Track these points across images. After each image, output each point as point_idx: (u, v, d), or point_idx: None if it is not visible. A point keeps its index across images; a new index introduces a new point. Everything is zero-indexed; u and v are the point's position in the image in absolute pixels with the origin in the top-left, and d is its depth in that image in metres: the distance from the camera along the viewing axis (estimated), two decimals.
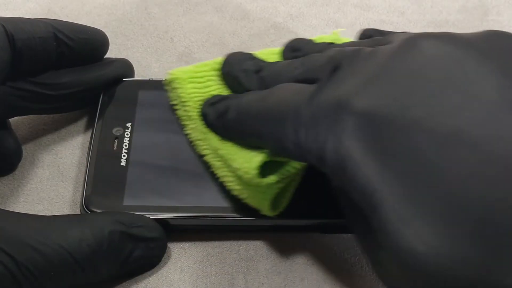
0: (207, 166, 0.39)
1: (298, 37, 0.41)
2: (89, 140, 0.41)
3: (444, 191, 0.26)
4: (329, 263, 0.37)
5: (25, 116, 0.43)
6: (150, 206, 0.37)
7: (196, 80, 0.40)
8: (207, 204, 0.38)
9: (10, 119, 0.41)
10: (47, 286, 0.32)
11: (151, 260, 0.36)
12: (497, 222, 0.24)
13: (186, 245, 0.38)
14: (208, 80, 0.40)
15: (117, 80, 0.43)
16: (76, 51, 0.40)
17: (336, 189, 0.35)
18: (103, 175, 0.39)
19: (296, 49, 0.39)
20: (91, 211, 0.37)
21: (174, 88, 0.40)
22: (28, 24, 0.38)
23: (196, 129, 0.39)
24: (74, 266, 0.32)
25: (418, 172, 0.26)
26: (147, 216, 0.36)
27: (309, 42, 0.40)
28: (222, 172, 0.37)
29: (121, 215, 0.35)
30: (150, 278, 0.36)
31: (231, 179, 0.37)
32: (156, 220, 0.36)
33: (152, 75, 0.46)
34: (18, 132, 0.42)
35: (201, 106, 0.38)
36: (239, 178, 0.36)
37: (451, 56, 0.29)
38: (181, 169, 0.39)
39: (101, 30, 0.43)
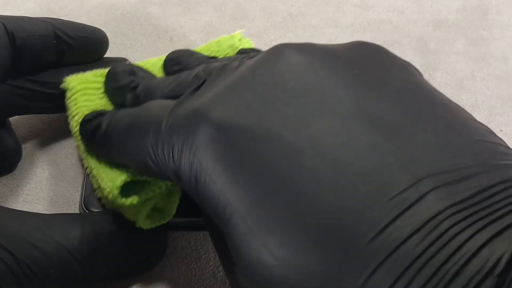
0: None
1: (297, 35, 0.41)
2: None
3: (291, 199, 0.25)
4: None
5: (25, 116, 0.43)
6: None
7: (91, 92, 0.38)
8: None
9: (10, 119, 0.41)
10: (46, 283, 0.32)
11: (151, 259, 0.36)
12: (341, 228, 0.23)
13: (186, 245, 0.38)
14: (103, 92, 0.38)
15: None
16: (76, 49, 0.40)
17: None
18: None
19: (177, 62, 0.39)
20: (91, 211, 0.37)
21: (68, 98, 0.38)
22: (28, 22, 0.38)
23: (79, 147, 0.37)
24: (74, 264, 0.32)
25: (268, 182, 0.25)
26: None
27: (190, 55, 0.39)
28: (98, 191, 0.36)
29: (121, 214, 0.35)
30: (150, 278, 0.36)
31: (103, 197, 0.35)
32: None
33: None
34: (17, 132, 0.42)
35: None
36: (106, 196, 0.35)
37: (310, 66, 0.29)
38: None
39: (100, 29, 0.43)
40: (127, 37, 0.49)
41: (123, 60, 0.44)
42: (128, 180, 0.34)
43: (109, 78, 0.38)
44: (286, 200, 0.25)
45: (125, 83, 0.37)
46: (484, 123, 0.44)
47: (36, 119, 0.43)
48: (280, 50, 0.30)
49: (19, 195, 0.40)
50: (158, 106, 0.32)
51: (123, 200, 0.33)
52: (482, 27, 0.50)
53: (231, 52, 0.40)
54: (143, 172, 0.33)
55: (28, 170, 0.41)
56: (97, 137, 0.35)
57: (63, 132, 0.43)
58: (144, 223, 0.35)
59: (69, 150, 0.42)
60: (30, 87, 0.39)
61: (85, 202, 0.37)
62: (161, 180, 0.34)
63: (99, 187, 0.35)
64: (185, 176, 0.29)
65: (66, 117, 0.43)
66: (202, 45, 0.41)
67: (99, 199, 0.36)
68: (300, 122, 0.26)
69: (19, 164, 0.41)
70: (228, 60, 0.34)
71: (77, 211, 0.39)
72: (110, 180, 0.34)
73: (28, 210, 0.37)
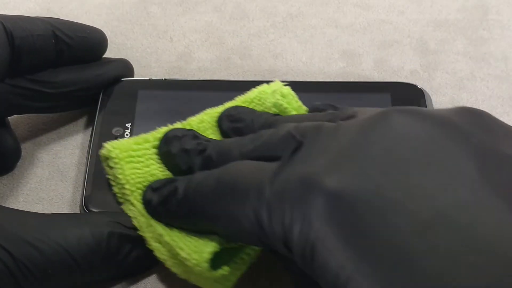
0: None
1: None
2: (88, 140, 0.41)
3: (421, 281, 0.23)
4: None
5: (25, 116, 0.43)
6: None
7: (135, 159, 0.36)
8: None
9: (10, 119, 0.41)
10: (44, 283, 0.32)
11: (149, 261, 0.36)
12: None
13: None
14: (149, 159, 0.36)
15: (116, 80, 0.43)
16: (75, 49, 0.40)
17: (299, 273, 0.31)
18: (103, 175, 0.38)
19: (236, 119, 0.37)
20: (91, 211, 0.37)
21: (111, 167, 0.36)
22: (27, 22, 0.38)
23: (137, 217, 0.35)
24: (72, 265, 0.32)
25: (397, 261, 0.24)
26: None
27: (250, 111, 0.37)
28: (162, 256, 0.34)
29: (121, 216, 0.35)
30: (150, 278, 0.36)
31: (175, 265, 0.34)
32: None
33: (151, 74, 0.46)
34: (17, 132, 0.42)
35: (139, 189, 0.35)
36: (187, 267, 0.33)
37: (426, 134, 0.27)
38: None
39: (99, 29, 0.43)
40: (127, 37, 0.49)
41: (123, 60, 0.44)
42: (217, 250, 0.32)
43: (169, 142, 0.36)
44: (415, 282, 0.23)
45: (192, 146, 0.35)
46: None
47: (36, 119, 0.43)
48: (387, 115, 0.28)
49: (19, 195, 0.40)
50: (250, 167, 0.31)
51: (211, 273, 0.32)
52: (482, 27, 0.50)
53: (278, 111, 0.38)
54: (235, 238, 0.32)
55: (28, 170, 0.41)
56: (173, 204, 0.33)
57: (63, 132, 0.43)
58: None
59: (69, 150, 0.42)
60: (29, 86, 0.39)
61: (85, 202, 0.38)
62: (249, 246, 0.33)
63: (177, 255, 0.33)
64: (298, 247, 0.27)
65: (66, 117, 0.44)
66: (238, 98, 0.39)
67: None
68: (425, 194, 0.25)
69: (19, 164, 0.41)
70: (316, 119, 0.32)
71: (77, 211, 0.39)
72: (194, 251, 0.32)
73: (28, 210, 0.37)
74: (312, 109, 0.38)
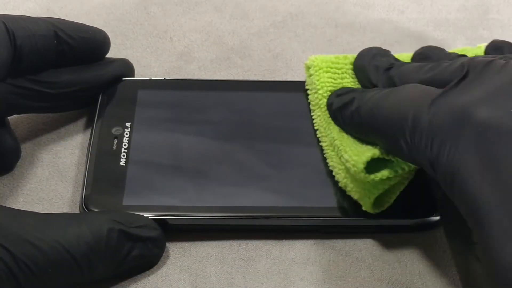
0: (206, 166, 0.39)
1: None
2: (88, 139, 0.41)
3: None
4: (329, 263, 0.37)
5: (24, 116, 0.43)
6: (149, 206, 0.37)
7: (333, 70, 0.41)
8: (206, 204, 0.38)
9: (9, 119, 0.41)
10: (44, 282, 0.32)
11: (149, 259, 0.36)
12: None
13: (185, 244, 0.38)
14: (344, 73, 0.41)
15: (117, 80, 0.43)
16: (77, 50, 0.40)
17: (441, 194, 0.35)
18: (102, 175, 0.39)
19: (426, 56, 0.39)
20: (91, 211, 0.37)
21: (311, 74, 0.41)
22: (28, 22, 0.38)
23: (321, 117, 0.40)
24: (71, 263, 0.32)
25: None
26: (146, 216, 0.36)
27: (440, 50, 0.39)
28: (332, 162, 0.38)
29: (120, 214, 0.35)
30: (150, 278, 0.36)
31: (339, 170, 0.38)
32: (155, 220, 0.36)
33: (151, 74, 0.46)
34: (17, 132, 0.42)
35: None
36: (347, 170, 0.37)
37: None
38: (180, 169, 0.39)
39: (102, 30, 0.43)
40: (127, 37, 0.49)
41: (124, 60, 0.44)
42: (375, 156, 0.35)
43: (364, 56, 0.40)
44: None
45: (381, 63, 0.38)
46: None
47: (35, 119, 0.43)
48: None
49: (19, 195, 0.40)
50: (417, 90, 0.33)
51: (365, 175, 0.35)
52: (482, 27, 0.50)
53: None
54: (392, 151, 0.34)
55: (28, 170, 0.41)
56: (348, 111, 0.37)
57: (63, 132, 0.43)
58: (370, 206, 0.36)
59: (69, 150, 0.42)
60: (30, 86, 0.39)
61: (85, 202, 0.38)
62: (404, 163, 0.35)
63: (341, 157, 0.37)
64: (442, 169, 0.29)
65: (66, 117, 0.44)
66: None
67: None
68: None
69: (19, 164, 0.41)
70: (493, 57, 0.34)
71: (77, 211, 0.39)
72: (356, 154, 0.36)
73: (27, 210, 0.37)
74: (490, 46, 0.39)
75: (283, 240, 0.38)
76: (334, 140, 0.38)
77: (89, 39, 0.41)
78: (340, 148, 0.37)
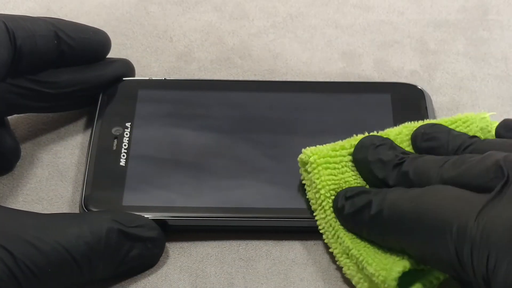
0: (206, 166, 0.39)
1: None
2: (88, 139, 0.41)
3: None
4: (329, 264, 0.37)
5: (24, 116, 0.43)
6: (149, 206, 0.37)
7: (332, 166, 0.37)
8: (206, 204, 0.38)
9: (9, 119, 0.41)
10: (44, 282, 0.32)
11: (149, 260, 0.36)
12: None
13: (185, 245, 0.38)
14: (344, 166, 0.37)
15: (118, 80, 0.43)
16: (77, 50, 0.40)
17: None
18: (102, 175, 0.39)
19: (430, 137, 0.36)
20: (90, 211, 0.37)
21: (308, 172, 0.37)
22: (29, 22, 0.38)
23: (325, 220, 0.36)
24: (71, 263, 0.32)
25: None
26: (145, 216, 0.36)
27: (446, 130, 0.36)
28: (349, 270, 0.35)
29: (120, 214, 0.35)
30: (149, 278, 0.36)
31: (359, 279, 0.35)
32: (154, 220, 0.36)
33: (151, 74, 0.46)
34: (17, 132, 0.42)
35: (332, 196, 0.36)
36: (372, 284, 0.33)
37: None
38: (180, 169, 0.39)
39: (103, 31, 0.43)
40: (127, 37, 0.49)
41: (124, 61, 0.44)
42: (406, 269, 0.32)
43: (366, 150, 0.36)
44: None
45: (388, 158, 0.35)
46: None
47: (35, 119, 0.43)
48: None
49: (19, 195, 0.40)
50: (453, 196, 0.31)
51: None
52: (482, 27, 0.50)
53: (482, 137, 0.37)
54: (428, 263, 0.32)
55: (28, 170, 0.41)
56: (366, 216, 0.33)
57: (63, 132, 0.43)
58: None
59: (69, 150, 0.42)
60: (29, 86, 0.39)
61: (85, 202, 0.38)
62: (438, 272, 0.33)
63: (362, 270, 0.34)
64: (499, 286, 0.27)
65: (66, 117, 0.44)
66: (444, 118, 0.39)
67: None
68: None
69: (19, 164, 0.41)
70: None
71: (76, 211, 0.39)
72: (382, 267, 0.32)
73: (27, 210, 0.37)
74: (502, 126, 0.37)
75: (283, 241, 0.38)
76: (350, 249, 0.34)
77: (89, 39, 0.41)
78: (360, 259, 0.34)
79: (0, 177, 0.41)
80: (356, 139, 0.37)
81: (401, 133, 0.37)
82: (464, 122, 0.38)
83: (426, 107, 0.42)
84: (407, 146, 0.37)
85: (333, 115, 0.42)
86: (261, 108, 0.42)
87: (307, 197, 0.37)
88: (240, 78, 0.47)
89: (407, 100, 0.43)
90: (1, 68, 0.37)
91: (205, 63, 0.47)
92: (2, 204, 0.39)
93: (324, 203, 0.36)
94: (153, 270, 0.37)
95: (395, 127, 0.38)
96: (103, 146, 0.40)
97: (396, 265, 0.32)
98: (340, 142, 0.37)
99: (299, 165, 0.38)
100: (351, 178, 0.37)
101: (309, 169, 0.37)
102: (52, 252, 0.32)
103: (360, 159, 0.36)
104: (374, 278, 0.33)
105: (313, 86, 0.44)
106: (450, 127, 0.37)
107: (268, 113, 0.42)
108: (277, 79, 0.46)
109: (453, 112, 0.44)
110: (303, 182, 0.38)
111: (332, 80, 0.46)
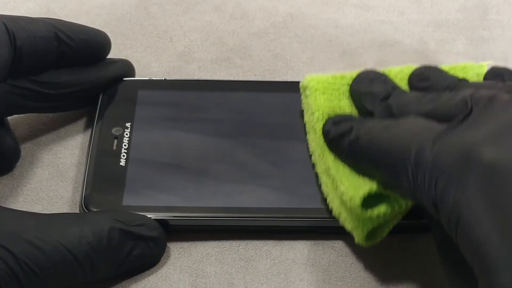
0: (206, 166, 0.39)
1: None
2: (88, 140, 0.41)
3: None
4: (329, 264, 0.37)
5: (24, 116, 0.43)
6: (149, 206, 0.37)
7: (329, 92, 0.39)
8: (207, 204, 0.38)
9: (9, 119, 0.41)
10: (46, 282, 0.32)
11: (150, 259, 0.36)
12: None
13: (185, 244, 0.38)
14: (341, 94, 0.39)
15: (118, 80, 0.43)
16: (77, 51, 0.40)
17: (440, 233, 0.33)
18: (102, 175, 0.39)
19: (424, 78, 0.38)
20: (91, 211, 0.37)
21: (307, 95, 0.39)
22: (29, 23, 0.38)
23: (316, 141, 0.38)
24: (73, 263, 0.32)
25: None
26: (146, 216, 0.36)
27: (439, 72, 0.38)
28: (326, 188, 0.37)
29: (121, 214, 0.35)
30: (150, 278, 0.36)
31: (333, 197, 0.36)
32: (155, 220, 0.36)
33: (151, 74, 0.46)
34: (17, 132, 0.42)
35: (325, 119, 0.38)
36: (342, 202, 0.35)
37: None
38: (180, 169, 0.39)
39: (103, 32, 0.43)
40: (127, 37, 0.49)
41: (124, 61, 0.44)
42: (372, 191, 0.34)
43: (360, 82, 0.38)
44: None
45: (378, 90, 0.37)
46: None
47: (35, 119, 0.43)
48: None
49: (19, 195, 0.40)
50: (419, 124, 0.32)
51: (361, 210, 0.33)
52: (482, 27, 0.50)
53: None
54: (391, 187, 0.33)
55: (28, 170, 0.41)
56: (346, 142, 0.35)
57: (63, 132, 0.43)
58: (362, 239, 0.35)
59: (69, 150, 0.42)
60: (29, 87, 0.39)
61: (85, 202, 0.38)
62: (402, 199, 0.34)
63: (337, 188, 0.35)
64: (446, 211, 0.29)
65: (66, 117, 0.44)
66: (443, 65, 0.39)
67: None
68: None
69: (19, 164, 0.41)
70: (495, 89, 0.33)
71: (76, 211, 0.39)
72: (352, 187, 0.34)
73: (28, 210, 0.37)
74: (490, 72, 0.38)
75: (283, 241, 0.38)
76: (329, 169, 0.36)
77: (89, 40, 0.41)
78: (335, 178, 0.36)
79: (0, 177, 0.41)
80: (357, 71, 0.39)
81: (402, 71, 0.39)
82: (462, 69, 0.39)
83: None
84: (405, 85, 0.38)
85: None
86: (261, 108, 0.42)
87: (303, 121, 0.40)
88: (240, 78, 0.47)
89: None
90: (2, 69, 0.37)
91: (205, 63, 0.47)
92: (2, 204, 0.39)
93: (316, 125, 0.38)
94: (153, 270, 0.37)
95: (397, 66, 0.40)
96: (103, 146, 0.40)
97: (364, 186, 0.34)
98: (341, 72, 0.40)
99: (301, 90, 0.40)
100: (347, 107, 0.38)
101: (307, 93, 0.39)
102: (53, 252, 0.32)
103: (355, 90, 0.38)
104: (343, 197, 0.35)
105: None
106: (448, 72, 0.38)
107: (268, 113, 0.42)
108: (277, 79, 0.46)
109: None
110: (303, 107, 0.40)
111: None
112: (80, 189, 0.39)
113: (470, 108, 0.31)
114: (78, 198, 0.39)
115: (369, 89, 0.37)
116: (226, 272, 0.37)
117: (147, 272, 0.36)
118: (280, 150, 0.40)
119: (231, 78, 0.47)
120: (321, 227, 0.38)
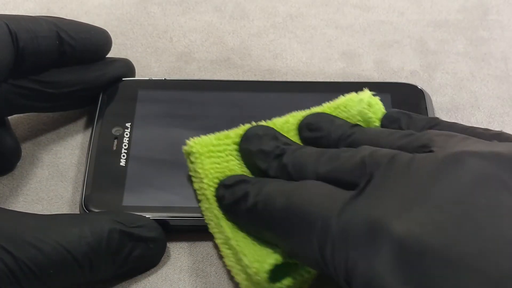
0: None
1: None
2: (88, 140, 0.41)
3: None
4: None
5: (25, 116, 0.43)
6: (149, 207, 0.37)
7: (215, 154, 0.36)
8: None
9: (10, 119, 0.41)
10: (46, 283, 0.32)
11: (150, 260, 0.36)
12: None
13: (185, 245, 0.38)
14: (229, 155, 0.37)
15: (118, 80, 0.43)
16: (78, 50, 0.40)
17: None
18: (102, 175, 0.39)
19: (315, 128, 0.36)
20: (91, 211, 0.37)
21: (192, 162, 0.37)
22: (31, 23, 0.38)
23: (210, 210, 0.36)
24: (73, 264, 0.32)
25: None
26: (146, 216, 0.36)
27: (330, 121, 0.36)
28: (229, 262, 0.35)
29: (121, 215, 0.35)
30: (150, 278, 0.36)
31: (238, 270, 0.34)
32: (155, 220, 0.36)
33: (151, 74, 0.46)
34: (17, 132, 0.42)
35: (216, 184, 0.36)
36: (248, 275, 0.33)
37: (500, 180, 0.26)
38: (180, 169, 0.39)
39: (104, 30, 0.43)
40: (127, 37, 0.49)
41: (125, 60, 0.44)
42: (278, 262, 0.32)
43: (248, 140, 0.36)
44: None
45: (269, 148, 0.35)
46: (484, 123, 0.44)
47: (36, 119, 0.43)
48: (460, 158, 0.27)
49: (19, 195, 0.40)
50: (321, 193, 0.31)
51: (269, 285, 0.32)
52: (482, 27, 0.50)
53: (361, 120, 0.37)
54: (297, 258, 0.32)
55: (28, 170, 0.41)
56: (243, 208, 0.33)
57: (63, 132, 0.43)
58: None
59: (69, 150, 0.42)
60: (31, 86, 0.39)
61: (85, 202, 0.38)
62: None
63: (239, 261, 0.34)
64: (358, 285, 0.27)
65: (66, 117, 0.44)
66: (325, 104, 0.38)
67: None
68: (498, 251, 0.24)
69: (19, 164, 0.41)
70: (391, 138, 0.32)
71: (76, 211, 0.39)
72: (256, 259, 0.32)
73: (28, 210, 0.37)
74: (386, 118, 0.37)
75: None
76: (229, 240, 0.34)
77: (91, 39, 0.41)
78: (237, 250, 0.34)
79: (0, 177, 0.41)
80: (242, 128, 0.37)
81: (287, 122, 0.38)
82: (345, 107, 0.38)
83: (426, 107, 0.42)
84: (293, 135, 0.37)
85: None
86: (261, 108, 0.42)
87: (194, 189, 0.37)
88: (240, 78, 0.47)
89: (407, 100, 0.43)
90: (4, 70, 0.37)
91: (205, 63, 0.47)
92: (2, 204, 0.39)
93: (207, 192, 0.36)
94: (153, 270, 0.37)
95: (282, 116, 0.38)
96: (103, 146, 0.40)
97: (269, 258, 0.32)
98: (225, 132, 0.37)
99: (185, 157, 0.37)
100: (237, 167, 0.36)
101: (192, 159, 0.36)
102: (53, 252, 0.32)
103: (244, 150, 0.36)
104: (248, 270, 0.33)
105: (313, 86, 0.44)
106: (333, 113, 0.37)
107: (268, 113, 0.42)
108: (277, 79, 0.46)
109: (453, 112, 0.44)
110: (190, 174, 0.37)
111: (332, 80, 0.46)
112: (80, 189, 0.39)
113: (370, 173, 0.29)
114: (78, 198, 0.39)
115: (259, 147, 0.35)
116: (226, 272, 0.37)
117: (147, 272, 0.36)
118: None
119: (231, 78, 0.47)
120: None
